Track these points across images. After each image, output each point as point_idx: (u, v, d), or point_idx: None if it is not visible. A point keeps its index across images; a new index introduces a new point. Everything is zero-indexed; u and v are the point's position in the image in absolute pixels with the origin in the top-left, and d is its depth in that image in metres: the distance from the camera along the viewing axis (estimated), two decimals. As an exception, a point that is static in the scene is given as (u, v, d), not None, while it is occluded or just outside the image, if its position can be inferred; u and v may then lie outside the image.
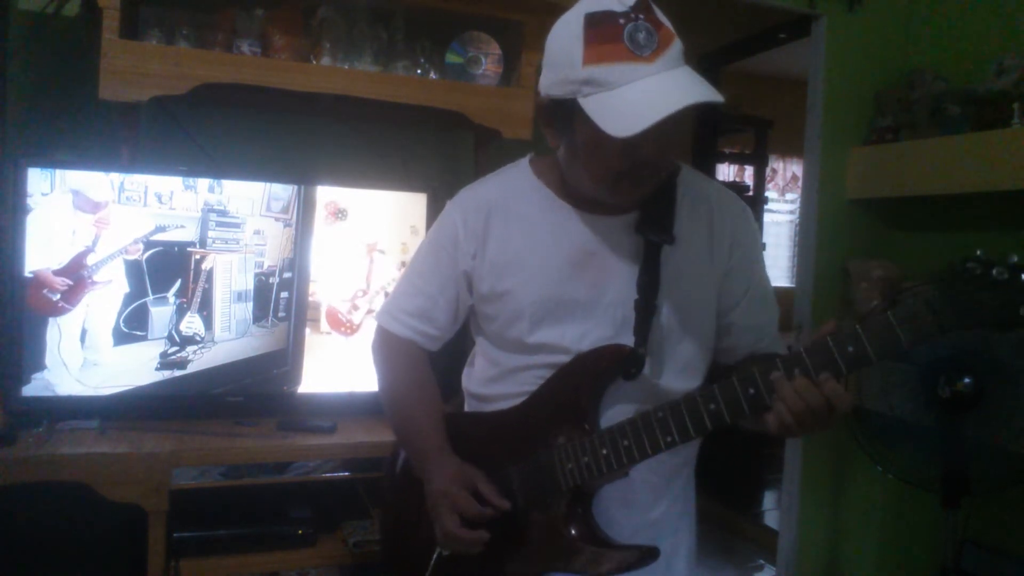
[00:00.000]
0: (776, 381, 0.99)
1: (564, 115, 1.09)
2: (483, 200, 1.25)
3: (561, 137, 1.14)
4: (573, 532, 1.15)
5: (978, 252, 0.91)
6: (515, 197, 1.24)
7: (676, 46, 1.03)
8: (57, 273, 1.74)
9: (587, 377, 1.16)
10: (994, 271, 0.89)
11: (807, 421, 0.98)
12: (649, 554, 1.13)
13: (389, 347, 1.34)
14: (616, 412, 1.17)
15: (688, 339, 1.21)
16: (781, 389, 0.99)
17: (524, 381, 1.23)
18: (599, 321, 1.18)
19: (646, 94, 0.99)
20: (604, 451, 1.11)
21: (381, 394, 1.36)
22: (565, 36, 1.05)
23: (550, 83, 1.09)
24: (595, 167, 1.10)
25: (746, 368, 1.03)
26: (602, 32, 1.01)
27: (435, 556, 1.21)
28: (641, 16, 1.01)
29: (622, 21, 1.00)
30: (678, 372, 1.21)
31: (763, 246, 1.28)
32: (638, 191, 1.13)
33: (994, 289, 0.89)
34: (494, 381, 1.28)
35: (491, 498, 1.15)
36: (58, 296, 1.74)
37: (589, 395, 1.16)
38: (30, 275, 1.72)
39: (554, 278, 1.18)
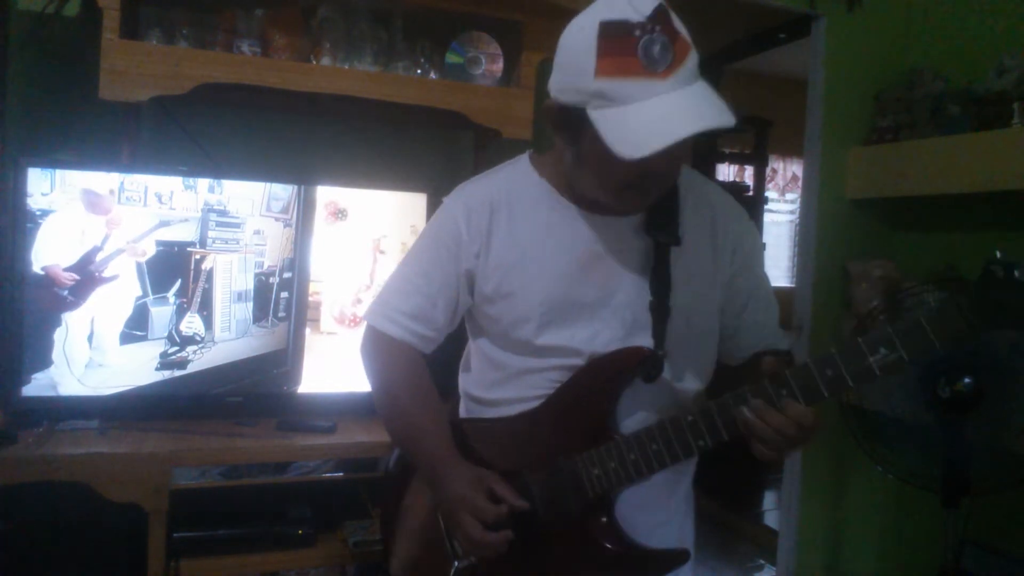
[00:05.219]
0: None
1: (573, 122, 1.06)
2: (486, 197, 1.21)
3: (569, 143, 1.12)
4: (606, 542, 1.14)
5: (997, 254, 0.95)
6: (518, 195, 1.21)
7: (691, 59, 1.01)
8: (67, 270, 1.75)
9: (607, 380, 1.15)
10: (1016, 272, 0.93)
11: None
12: (680, 556, 1.13)
13: (383, 349, 1.26)
14: (635, 417, 1.16)
15: (699, 340, 1.21)
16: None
17: (534, 384, 1.20)
18: (609, 322, 1.17)
19: (658, 114, 0.97)
20: (632, 456, 1.10)
21: (377, 398, 1.28)
22: (578, 43, 1.02)
23: (561, 87, 1.07)
24: (602, 177, 1.09)
25: (769, 370, 1.06)
26: (616, 43, 0.98)
27: (453, 571, 1.19)
28: (657, 27, 0.98)
29: (637, 33, 0.97)
30: (693, 374, 1.21)
31: (763, 246, 1.28)
32: (643, 201, 1.14)
33: (1018, 290, 0.93)
34: (499, 385, 1.24)
35: (508, 498, 1.12)
36: (66, 291, 1.75)
37: (608, 399, 1.15)
38: (41, 272, 1.73)
39: (562, 279, 1.17)
